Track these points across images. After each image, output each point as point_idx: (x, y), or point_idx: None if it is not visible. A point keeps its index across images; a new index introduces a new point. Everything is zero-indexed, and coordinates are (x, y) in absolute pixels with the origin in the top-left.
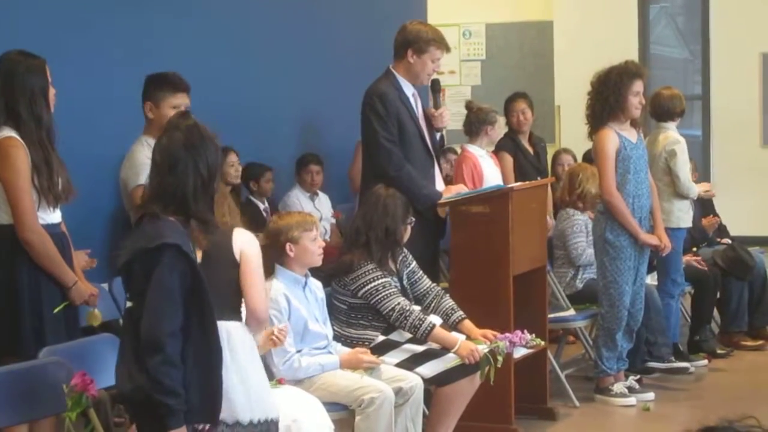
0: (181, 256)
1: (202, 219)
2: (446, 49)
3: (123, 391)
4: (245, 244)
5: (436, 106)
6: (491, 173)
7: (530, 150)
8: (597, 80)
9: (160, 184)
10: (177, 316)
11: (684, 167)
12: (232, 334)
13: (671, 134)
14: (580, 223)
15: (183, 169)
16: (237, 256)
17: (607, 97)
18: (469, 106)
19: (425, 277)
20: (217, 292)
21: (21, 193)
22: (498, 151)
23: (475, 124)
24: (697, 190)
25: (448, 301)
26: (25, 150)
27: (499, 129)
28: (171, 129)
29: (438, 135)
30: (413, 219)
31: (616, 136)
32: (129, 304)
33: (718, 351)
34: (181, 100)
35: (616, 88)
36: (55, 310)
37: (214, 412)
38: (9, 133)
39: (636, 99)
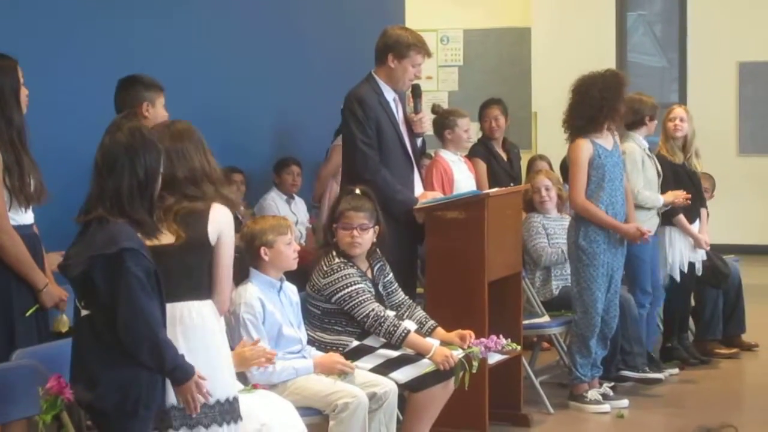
0: (141, 258)
1: (137, 221)
2: (427, 54)
3: (85, 399)
4: (222, 227)
5: (416, 110)
6: (463, 179)
7: (503, 156)
8: (581, 86)
9: (100, 185)
10: (157, 308)
11: (632, 177)
12: (193, 313)
13: (626, 144)
14: (536, 224)
15: (119, 169)
16: (212, 239)
17: (600, 106)
18: (434, 110)
19: (400, 290)
20: (187, 273)
21: None
22: (471, 157)
23: (437, 128)
24: (656, 200)
25: (421, 312)
26: None
27: (463, 133)
28: (114, 130)
29: (419, 140)
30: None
31: (590, 145)
32: (84, 312)
33: (691, 360)
34: (163, 100)
35: (611, 96)
36: (27, 314)
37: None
38: None
39: (623, 108)
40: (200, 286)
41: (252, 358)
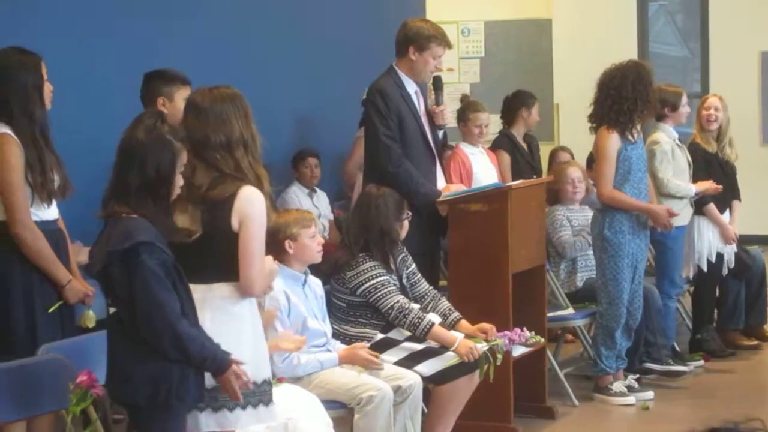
0: (157, 250)
1: (149, 219)
2: (448, 45)
3: (119, 394)
4: (246, 211)
5: (437, 102)
6: (483, 171)
7: (525, 148)
8: (611, 79)
9: (115, 180)
10: (175, 300)
11: (662, 168)
12: (217, 296)
13: (655, 135)
14: (561, 216)
15: (130, 166)
16: (234, 227)
17: (633, 99)
18: (462, 100)
19: (423, 279)
20: (212, 257)
21: (13, 189)
22: (495, 148)
23: (457, 118)
24: (687, 189)
25: (445, 303)
26: (18, 146)
27: (475, 128)
28: (133, 126)
29: (441, 132)
30: (409, 213)
31: (617, 137)
32: (112, 309)
33: (721, 352)
34: (188, 93)
35: (643, 89)
36: (49, 310)
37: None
38: (2, 129)
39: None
40: (226, 268)
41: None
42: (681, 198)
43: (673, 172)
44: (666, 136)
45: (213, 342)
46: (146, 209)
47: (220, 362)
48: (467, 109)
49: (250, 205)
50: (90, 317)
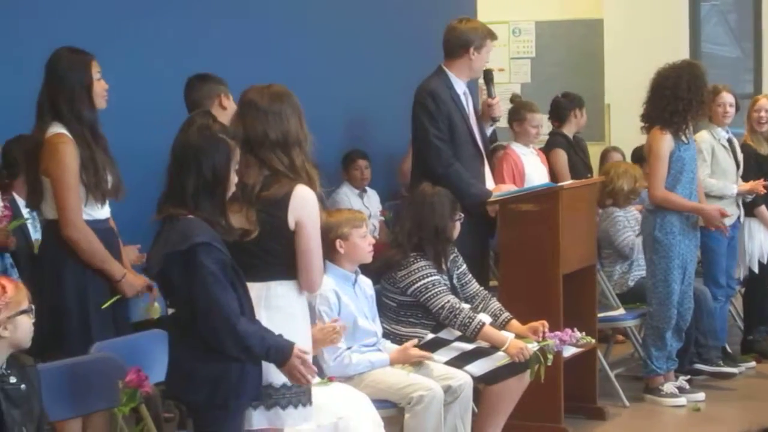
0: (215, 250)
1: (206, 220)
2: (495, 37)
3: (181, 393)
4: (301, 212)
5: (490, 95)
6: (534, 172)
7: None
8: (666, 80)
9: (170, 182)
10: (233, 300)
11: (701, 167)
12: (271, 294)
13: (698, 134)
14: (621, 219)
15: (187, 168)
16: (291, 226)
17: (689, 99)
18: (512, 99)
19: (474, 280)
20: (267, 255)
21: (67, 190)
22: (552, 147)
23: (509, 118)
24: (725, 188)
25: (495, 303)
26: (74, 146)
27: (532, 128)
28: (186, 128)
29: (490, 130)
30: (462, 215)
31: (671, 138)
32: (171, 310)
33: None
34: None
35: (698, 89)
36: (104, 305)
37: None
38: (58, 129)
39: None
40: (282, 267)
41: (323, 339)
42: (720, 198)
43: (711, 171)
44: (708, 135)
45: (273, 333)
46: (203, 210)
47: (282, 351)
48: (523, 108)
49: (306, 205)
50: (155, 309)
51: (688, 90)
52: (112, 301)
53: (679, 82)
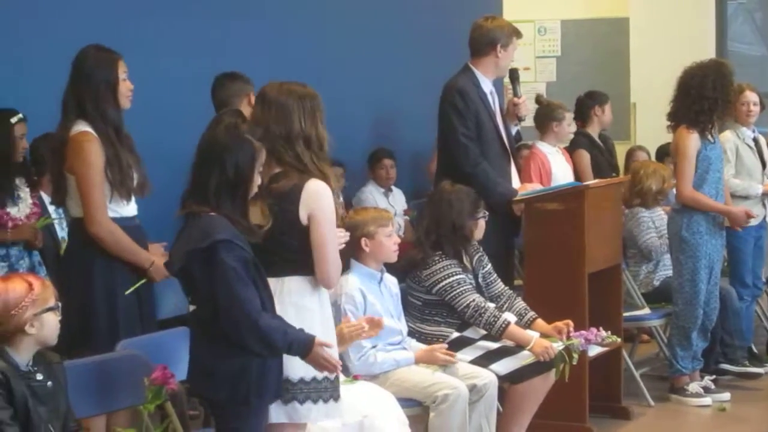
0: (235, 247)
1: (227, 218)
2: (521, 35)
3: (203, 390)
4: (313, 205)
5: (516, 94)
6: (560, 171)
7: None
8: (692, 79)
9: (193, 178)
10: (255, 296)
11: (725, 167)
12: (284, 289)
13: (722, 133)
14: (646, 219)
15: (210, 165)
16: (303, 220)
17: (714, 99)
18: (538, 100)
19: (499, 279)
20: (280, 250)
21: (92, 188)
22: (574, 148)
23: (541, 119)
24: (749, 188)
25: (521, 303)
26: (99, 144)
27: (568, 127)
28: (214, 125)
29: (515, 130)
30: (486, 213)
31: (697, 137)
32: (192, 307)
33: None
34: None
35: (724, 89)
36: (127, 292)
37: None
38: (84, 127)
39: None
40: (297, 262)
41: (350, 336)
42: (745, 198)
43: (736, 171)
44: (732, 134)
45: (294, 327)
46: (224, 208)
47: (304, 344)
48: (560, 108)
49: (319, 199)
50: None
51: (714, 89)
52: (137, 285)
53: (705, 81)
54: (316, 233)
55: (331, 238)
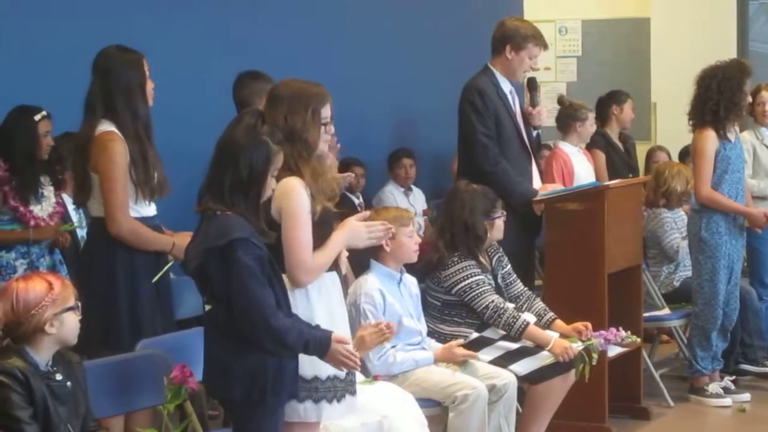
0: (252, 246)
1: (242, 216)
2: (544, 46)
3: (218, 389)
4: (281, 202)
5: (533, 104)
6: (583, 171)
7: (620, 147)
8: (703, 79)
9: (209, 175)
10: (270, 295)
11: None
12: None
13: (741, 134)
14: (669, 220)
15: (225, 163)
16: (276, 216)
17: (717, 100)
18: (560, 101)
19: (518, 280)
20: (271, 249)
21: (115, 187)
22: (590, 148)
23: (564, 119)
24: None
25: (540, 303)
26: (123, 144)
27: (591, 127)
28: (235, 123)
29: (535, 133)
30: (504, 213)
31: (715, 136)
32: (207, 307)
33: None
34: None
35: (728, 89)
36: (155, 279)
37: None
38: (108, 127)
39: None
40: (281, 260)
41: (371, 342)
42: (762, 198)
43: (753, 171)
44: (749, 135)
45: (310, 326)
46: (238, 207)
47: (321, 342)
48: (583, 108)
49: (287, 196)
50: None
51: (718, 90)
52: (162, 272)
53: (711, 82)
54: (283, 230)
55: (294, 237)
